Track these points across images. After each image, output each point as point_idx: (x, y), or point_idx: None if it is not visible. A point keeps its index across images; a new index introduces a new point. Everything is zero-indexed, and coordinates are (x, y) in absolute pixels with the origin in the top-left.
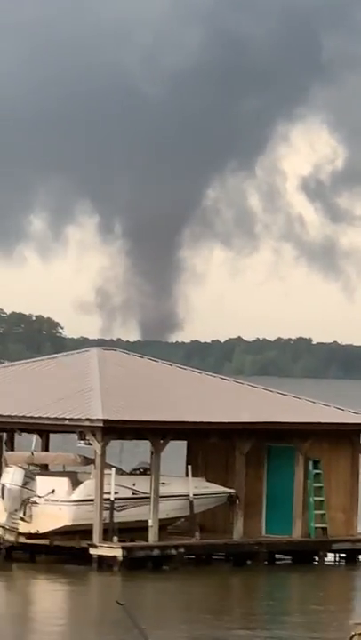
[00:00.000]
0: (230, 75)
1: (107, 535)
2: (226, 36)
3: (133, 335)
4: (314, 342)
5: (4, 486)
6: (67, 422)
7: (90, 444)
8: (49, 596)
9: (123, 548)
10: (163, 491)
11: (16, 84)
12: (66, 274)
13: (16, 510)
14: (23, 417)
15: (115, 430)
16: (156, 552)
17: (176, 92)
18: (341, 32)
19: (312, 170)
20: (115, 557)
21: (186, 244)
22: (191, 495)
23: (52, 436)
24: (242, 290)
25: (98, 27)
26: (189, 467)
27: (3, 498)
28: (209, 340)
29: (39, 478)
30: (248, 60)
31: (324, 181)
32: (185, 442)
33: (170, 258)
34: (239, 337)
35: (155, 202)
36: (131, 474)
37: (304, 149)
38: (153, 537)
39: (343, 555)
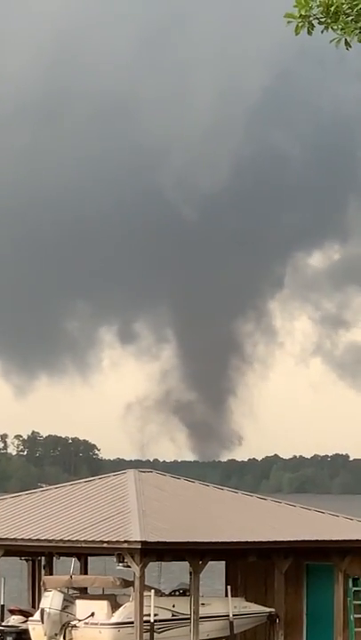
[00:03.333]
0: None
1: None
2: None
3: (171, 455)
4: (351, 459)
5: (43, 610)
6: (105, 545)
7: (128, 567)
8: None
9: None
10: (202, 611)
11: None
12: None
13: (56, 634)
14: (61, 540)
15: (153, 552)
16: None
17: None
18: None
19: None
20: None
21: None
22: (231, 615)
23: (90, 559)
24: (278, 408)
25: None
26: (228, 587)
27: (43, 622)
28: (246, 459)
29: (78, 602)
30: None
31: None
32: (224, 562)
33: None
34: (276, 455)
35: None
36: (170, 595)
37: None
38: None
39: None
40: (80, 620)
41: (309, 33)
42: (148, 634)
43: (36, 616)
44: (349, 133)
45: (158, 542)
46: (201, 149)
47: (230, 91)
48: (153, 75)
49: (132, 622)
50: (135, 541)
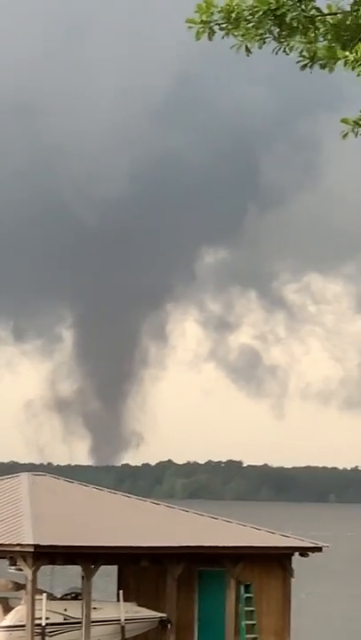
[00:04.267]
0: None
1: None
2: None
3: (66, 458)
4: (244, 465)
5: None
6: None
7: (20, 570)
8: None
9: None
10: (94, 616)
11: None
12: None
13: None
14: None
15: (45, 555)
16: None
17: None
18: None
19: None
20: None
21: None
22: (123, 620)
23: None
24: (173, 412)
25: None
26: (121, 591)
27: None
28: (140, 464)
29: None
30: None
31: None
32: (116, 566)
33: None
34: (170, 460)
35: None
36: (62, 599)
37: None
38: None
39: None
40: None
41: (210, 39)
42: (40, 637)
43: None
44: (250, 137)
45: (51, 546)
46: (101, 152)
47: (132, 92)
48: (55, 75)
49: (23, 626)
50: (27, 544)
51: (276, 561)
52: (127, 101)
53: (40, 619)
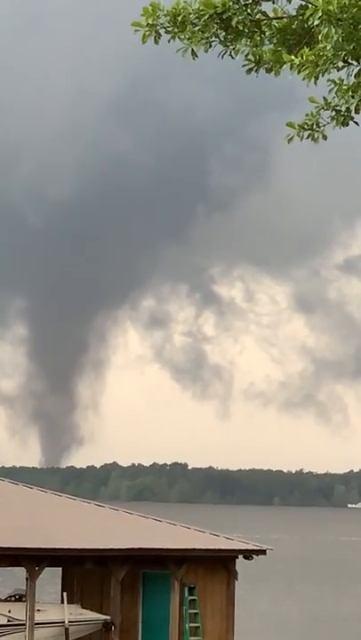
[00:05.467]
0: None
1: None
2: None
3: (11, 459)
4: (189, 467)
5: None
6: None
7: None
8: None
9: None
10: (38, 618)
11: None
12: None
13: None
14: None
15: None
16: None
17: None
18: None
19: None
20: None
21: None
22: (67, 622)
23: None
24: (118, 414)
25: None
26: (64, 593)
27: None
28: (85, 466)
29: None
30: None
31: None
32: (60, 568)
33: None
34: (115, 462)
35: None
36: (6, 600)
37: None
38: None
39: None
40: None
41: (156, 42)
42: None
43: None
44: (200, 140)
45: None
46: (49, 155)
47: (81, 96)
48: (4, 78)
49: None
50: None
51: (221, 563)
52: (78, 103)
53: None
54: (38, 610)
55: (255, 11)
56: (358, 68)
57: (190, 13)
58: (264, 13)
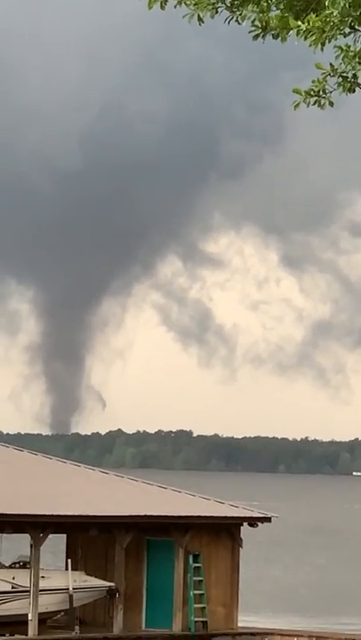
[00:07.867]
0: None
1: None
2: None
3: (15, 426)
4: (194, 435)
5: None
6: None
7: None
8: None
9: None
10: (42, 584)
11: None
12: None
13: None
14: None
15: None
16: None
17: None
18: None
19: None
20: None
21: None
22: (71, 589)
23: None
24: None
25: None
26: (69, 560)
27: None
28: (89, 433)
29: None
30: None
31: None
32: (65, 535)
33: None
34: (120, 429)
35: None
36: (10, 567)
37: None
38: (32, 631)
39: None
40: None
41: (162, 7)
42: None
43: None
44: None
45: None
46: (58, 124)
47: (91, 68)
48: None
49: None
50: None
51: (225, 531)
52: (89, 70)
53: None
54: (42, 577)
55: None
56: None
57: None
58: None
